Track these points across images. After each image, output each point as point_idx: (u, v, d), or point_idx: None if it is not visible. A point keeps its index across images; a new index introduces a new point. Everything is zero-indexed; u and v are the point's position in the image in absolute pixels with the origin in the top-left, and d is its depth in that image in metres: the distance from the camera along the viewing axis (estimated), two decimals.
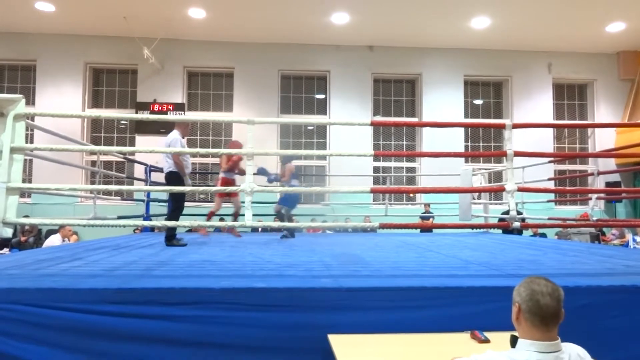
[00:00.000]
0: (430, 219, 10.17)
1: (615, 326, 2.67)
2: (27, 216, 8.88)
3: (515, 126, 3.90)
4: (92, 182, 11.44)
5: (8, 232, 3.22)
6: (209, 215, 6.74)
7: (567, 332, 1.73)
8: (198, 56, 12.30)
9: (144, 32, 11.23)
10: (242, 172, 6.94)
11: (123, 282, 2.70)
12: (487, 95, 13.38)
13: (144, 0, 10.06)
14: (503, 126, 3.83)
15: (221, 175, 6.79)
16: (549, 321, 1.59)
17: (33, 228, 10.61)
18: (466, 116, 12.83)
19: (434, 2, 10.13)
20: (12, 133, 3.26)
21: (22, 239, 10.27)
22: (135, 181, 9.85)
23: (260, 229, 9.76)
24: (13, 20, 11.18)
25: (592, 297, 2.69)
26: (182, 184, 5.18)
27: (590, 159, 12.88)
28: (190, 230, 8.14)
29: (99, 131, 12.48)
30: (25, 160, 3.60)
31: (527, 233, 10.06)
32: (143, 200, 8.46)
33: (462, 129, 12.58)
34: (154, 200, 8.85)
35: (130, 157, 9.82)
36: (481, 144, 13.03)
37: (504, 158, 3.81)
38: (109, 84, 12.66)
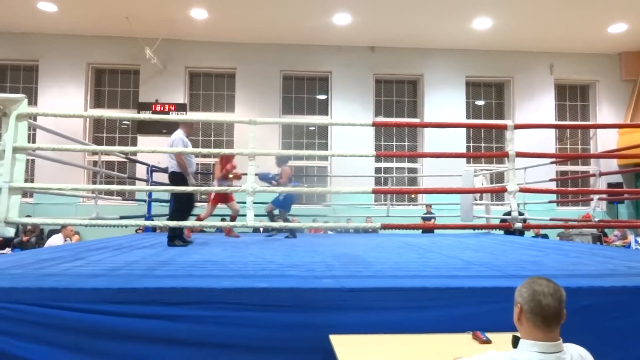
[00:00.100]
0: (432, 220, 10.16)
1: (617, 327, 2.66)
2: (29, 216, 8.89)
3: (517, 127, 3.89)
4: (94, 182, 11.47)
5: (10, 232, 3.23)
6: (197, 219, 6.73)
7: (569, 333, 1.73)
8: (200, 56, 12.32)
9: (146, 32, 11.25)
10: (238, 178, 6.94)
11: (125, 282, 2.71)
12: (489, 96, 13.37)
13: (146, 0, 10.08)
14: (505, 127, 3.83)
15: (215, 183, 6.84)
16: (550, 322, 1.59)
17: (35, 228, 10.63)
18: (468, 117, 12.82)
19: (435, 3, 10.13)
20: (14, 133, 3.26)
21: (24, 238, 10.29)
22: (137, 181, 9.86)
23: (261, 230, 9.77)
24: (15, 20, 11.21)
25: (594, 298, 2.69)
26: (185, 183, 5.16)
27: (592, 160, 12.86)
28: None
29: (101, 131, 12.50)
30: (28, 160, 3.61)
31: (528, 234, 10.04)
32: (145, 201, 8.47)
33: (463, 130, 12.58)
34: (156, 200, 8.86)
35: (132, 157, 9.82)
36: (483, 144, 13.02)
37: (506, 159, 3.81)
38: (111, 84, 12.69)
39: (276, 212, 7.09)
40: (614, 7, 10.18)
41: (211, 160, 12.35)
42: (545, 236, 10.39)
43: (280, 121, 10.30)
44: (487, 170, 10.32)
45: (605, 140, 12.53)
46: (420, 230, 9.79)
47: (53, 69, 12.01)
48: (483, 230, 9.14)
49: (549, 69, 12.83)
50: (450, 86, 12.67)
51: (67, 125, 10.38)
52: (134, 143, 12.17)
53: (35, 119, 6.86)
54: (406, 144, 12.94)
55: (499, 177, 12.17)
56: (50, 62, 12.02)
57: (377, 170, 12.47)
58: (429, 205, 11.09)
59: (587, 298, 2.67)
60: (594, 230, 9.31)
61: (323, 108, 12.87)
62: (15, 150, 3.26)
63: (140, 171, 10.17)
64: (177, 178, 5.23)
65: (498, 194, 10.32)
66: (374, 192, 3.94)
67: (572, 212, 11.83)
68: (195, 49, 12.22)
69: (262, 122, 3.77)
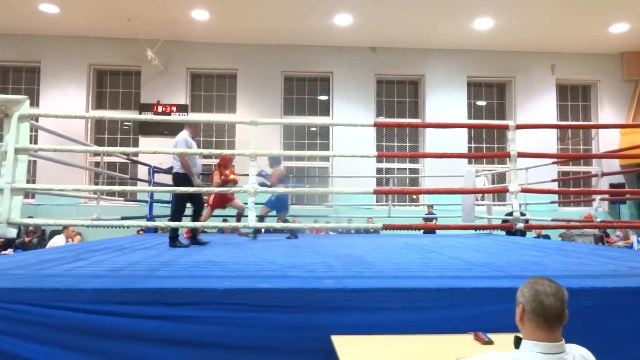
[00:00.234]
0: (434, 221, 10.15)
1: (619, 328, 2.65)
2: (31, 217, 8.91)
3: (519, 127, 3.89)
4: (96, 183, 11.48)
5: (12, 233, 3.23)
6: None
7: (571, 333, 1.73)
8: (201, 58, 12.33)
9: (148, 33, 11.26)
10: (235, 182, 6.92)
11: (126, 283, 2.71)
12: (491, 97, 13.37)
13: (148, 2, 10.10)
14: (506, 127, 3.82)
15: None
16: (553, 322, 1.58)
17: (37, 229, 10.65)
18: (469, 117, 12.82)
19: (437, 4, 10.13)
20: (16, 134, 3.27)
21: (26, 239, 10.31)
22: (138, 182, 9.87)
23: (263, 230, 9.76)
24: (17, 21, 11.23)
25: (596, 299, 2.68)
26: (189, 184, 5.14)
27: (594, 160, 12.84)
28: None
29: (102, 132, 12.52)
30: (30, 161, 3.61)
31: (530, 235, 10.03)
32: (146, 201, 8.48)
33: (465, 130, 12.57)
34: (157, 201, 8.86)
35: (134, 158, 9.84)
36: (484, 145, 13.01)
37: (508, 159, 3.80)
38: (112, 85, 12.71)
39: (273, 213, 7.10)
40: (616, 7, 10.17)
41: (213, 161, 12.38)
42: (547, 237, 10.38)
43: (281, 122, 10.31)
44: (489, 170, 10.31)
45: (607, 141, 12.50)
46: (421, 231, 9.79)
47: (55, 70, 12.04)
48: (485, 231, 9.14)
49: (550, 69, 12.82)
50: (452, 86, 12.66)
51: (69, 127, 10.40)
52: (136, 144, 12.19)
53: (37, 120, 6.87)
54: (407, 144, 12.94)
55: (501, 177, 12.16)
56: (52, 63, 12.05)
57: (379, 170, 12.47)
58: (430, 206, 11.08)
59: (589, 299, 2.66)
60: (596, 231, 9.29)
61: (324, 109, 12.87)
62: (17, 151, 3.26)
63: (142, 172, 10.18)
64: (181, 179, 5.23)
65: (499, 194, 10.31)
66: (376, 192, 3.94)
67: (574, 212, 11.81)
68: (196, 50, 12.23)
69: (264, 122, 3.77)
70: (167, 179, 9.45)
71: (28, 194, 9.05)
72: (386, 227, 3.68)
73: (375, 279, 3.06)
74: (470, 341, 2.38)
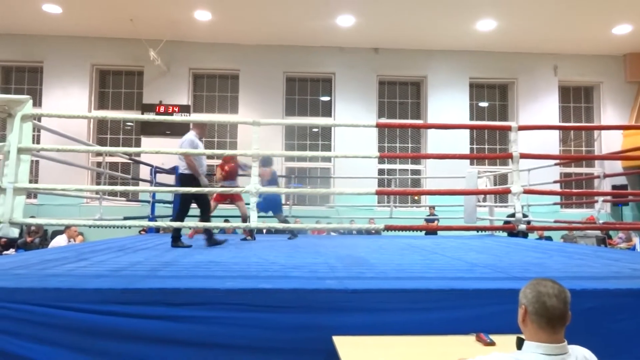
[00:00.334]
0: (435, 222, 10.14)
1: (621, 329, 2.65)
2: (33, 217, 8.93)
3: (522, 128, 3.88)
4: (98, 183, 11.50)
5: (15, 232, 3.24)
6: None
7: (574, 335, 1.72)
8: (203, 58, 12.35)
9: (150, 34, 11.29)
10: (234, 171, 6.94)
11: (128, 283, 2.71)
12: (493, 98, 13.35)
13: (150, 2, 10.11)
14: (509, 128, 3.82)
15: (220, 184, 6.88)
16: (555, 323, 1.58)
17: (39, 229, 10.67)
18: (471, 119, 12.80)
19: (439, 5, 10.12)
20: (19, 134, 3.28)
21: (28, 239, 10.33)
22: (140, 182, 9.88)
23: (264, 231, 9.77)
24: (20, 22, 11.26)
25: (599, 300, 2.67)
26: (195, 185, 5.10)
27: (596, 162, 12.81)
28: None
29: (104, 132, 12.54)
30: (32, 161, 3.62)
31: (532, 236, 10.01)
32: (148, 202, 8.49)
33: (467, 132, 12.55)
34: (160, 201, 8.88)
35: (136, 158, 9.86)
36: (486, 146, 13.00)
37: (510, 160, 3.80)
38: (115, 85, 12.73)
39: (276, 215, 7.10)
40: (618, 8, 10.15)
41: (215, 161, 12.38)
42: (549, 238, 10.36)
43: (283, 122, 10.31)
44: (491, 172, 10.29)
45: (609, 142, 12.48)
46: (423, 232, 9.78)
47: (57, 70, 12.06)
48: (487, 232, 9.12)
49: (553, 71, 12.80)
50: (454, 88, 12.65)
51: (71, 127, 10.40)
52: (138, 144, 12.20)
53: (39, 120, 6.89)
54: (409, 145, 12.93)
55: (503, 179, 12.13)
56: (55, 63, 12.08)
57: (381, 171, 12.47)
58: (432, 207, 11.06)
59: (592, 300, 2.66)
60: (598, 233, 9.28)
61: (326, 109, 12.87)
62: (20, 151, 3.27)
63: (144, 172, 10.20)
64: (187, 179, 5.22)
65: (501, 195, 10.30)
66: (378, 193, 3.94)
67: (576, 214, 11.78)
68: (198, 50, 12.25)
69: (266, 123, 3.77)
70: (169, 179, 9.47)
71: (30, 193, 9.07)
72: (388, 228, 3.68)
73: (377, 280, 3.06)
74: (472, 342, 2.38)
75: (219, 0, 10.11)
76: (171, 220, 6.60)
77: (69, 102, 11.90)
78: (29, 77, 12.50)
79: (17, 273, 3.15)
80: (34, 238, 10.47)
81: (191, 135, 5.32)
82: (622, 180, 12.18)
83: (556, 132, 12.76)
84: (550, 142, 12.31)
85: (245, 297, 2.56)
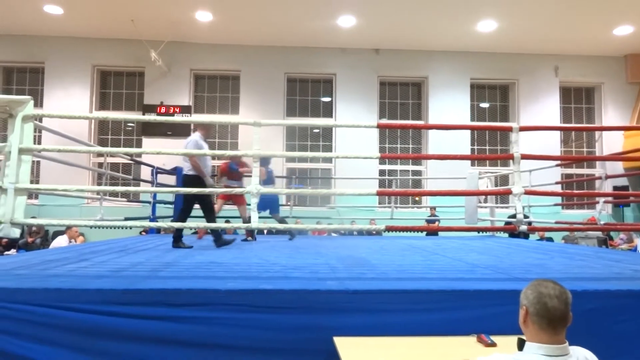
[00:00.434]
0: (436, 223, 10.13)
1: (623, 331, 2.64)
2: (34, 217, 8.92)
3: (523, 129, 3.88)
4: (99, 184, 11.51)
5: (16, 233, 3.24)
6: None
7: (575, 336, 1.72)
8: (205, 59, 12.36)
9: (151, 34, 11.30)
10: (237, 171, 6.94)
11: (129, 283, 2.71)
12: (494, 99, 13.35)
13: (152, 3, 10.13)
14: (510, 129, 3.82)
15: (225, 183, 6.90)
16: (556, 324, 1.57)
17: (40, 229, 10.68)
18: (472, 119, 12.80)
19: (440, 5, 10.12)
20: (20, 134, 3.28)
21: (29, 240, 10.33)
22: (141, 183, 9.89)
23: (265, 231, 9.78)
24: (22, 22, 11.28)
25: (600, 302, 2.67)
26: (200, 186, 5.05)
27: (597, 163, 12.80)
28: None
29: (106, 133, 12.56)
30: (33, 161, 3.63)
31: (533, 237, 10.00)
32: (149, 202, 8.49)
33: (468, 132, 12.54)
34: (160, 202, 8.88)
35: (137, 159, 9.86)
36: (487, 147, 12.99)
37: (511, 161, 3.80)
38: (116, 86, 12.75)
39: (273, 216, 7.10)
40: (620, 9, 10.14)
41: (216, 162, 12.38)
42: (550, 239, 10.35)
43: (284, 123, 10.31)
44: (492, 172, 10.28)
45: (610, 143, 12.47)
46: (424, 233, 9.77)
47: (59, 71, 12.08)
48: (488, 233, 9.11)
49: (554, 71, 12.79)
50: (455, 89, 12.65)
51: (73, 127, 10.41)
52: (139, 145, 12.21)
53: (40, 121, 6.90)
54: (410, 146, 12.93)
55: (504, 180, 12.12)
56: (56, 64, 12.09)
57: (381, 172, 12.47)
58: (433, 208, 11.06)
59: (593, 301, 2.65)
60: (600, 234, 9.26)
61: (327, 110, 12.88)
62: (21, 151, 3.28)
63: (145, 173, 10.20)
64: (191, 181, 5.21)
65: (502, 196, 10.30)
66: (379, 194, 3.94)
67: (578, 215, 11.78)
68: (199, 51, 12.26)
69: (267, 123, 3.78)
70: (170, 179, 9.47)
71: (31, 194, 9.07)
72: (389, 229, 3.68)
73: (377, 281, 3.06)
74: (473, 343, 2.37)
75: (220, 1, 10.12)
76: (172, 221, 6.61)
77: (70, 102, 11.91)
78: (30, 78, 12.52)
79: (18, 273, 3.15)
80: (35, 238, 10.47)
81: (196, 136, 5.32)
82: (623, 182, 12.17)
83: (557, 133, 12.75)
84: (552, 143, 12.29)
85: (246, 298, 2.56)
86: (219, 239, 5.56)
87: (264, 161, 7.02)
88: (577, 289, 2.63)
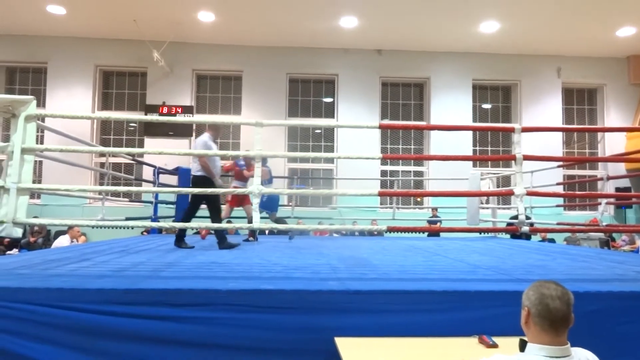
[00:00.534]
0: (438, 223, 10.12)
1: (625, 332, 2.63)
2: (36, 217, 8.94)
3: (525, 130, 3.88)
4: (101, 184, 11.53)
5: (18, 232, 3.25)
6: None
7: (577, 337, 1.72)
8: (207, 59, 12.38)
9: (154, 35, 11.32)
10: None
11: (131, 283, 2.71)
12: (496, 100, 13.33)
13: (154, 3, 10.14)
14: (512, 130, 3.81)
15: (233, 184, 6.90)
16: (558, 325, 1.57)
17: (42, 229, 10.70)
18: (474, 120, 12.78)
19: (443, 6, 10.12)
20: (23, 134, 3.29)
21: (31, 239, 10.36)
22: (143, 183, 9.90)
23: (267, 232, 9.78)
24: (25, 22, 11.31)
25: (602, 303, 2.66)
26: (209, 187, 5.03)
27: (599, 164, 12.78)
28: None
29: (108, 133, 12.58)
30: (36, 161, 3.63)
31: (535, 238, 9.98)
32: (151, 202, 8.50)
33: (470, 133, 12.53)
34: (162, 202, 8.88)
35: (139, 159, 9.87)
36: (489, 148, 12.98)
37: (513, 162, 3.79)
38: (118, 86, 12.78)
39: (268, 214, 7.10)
40: (622, 10, 10.13)
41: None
42: (552, 240, 10.32)
43: (286, 123, 10.30)
44: (494, 173, 10.27)
45: (612, 144, 12.44)
46: (426, 234, 9.76)
47: (61, 71, 12.11)
48: (489, 234, 9.10)
49: (556, 73, 12.78)
50: (457, 89, 12.64)
51: (75, 127, 10.44)
52: (141, 145, 12.23)
53: (43, 121, 6.90)
54: (412, 147, 12.93)
55: (506, 181, 12.11)
56: (59, 64, 12.12)
57: (383, 173, 12.46)
58: (434, 209, 11.04)
59: (595, 303, 2.65)
60: (602, 235, 9.24)
61: (329, 111, 12.88)
62: (24, 151, 3.28)
63: (147, 173, 10.22)
64: (200, 181, 5.20)
65: (504, 198, 10.28)
66: (380, 194, 3.93)
67: (580, 216, 11.75)
68: (202, 51, 12.28)
69: (269, 124, 3.78)
70: (172, 179, 9.49)
71: (34, 194, 9.09)
72: (390, 229, 3.68)
73: (379, 281, 3.06)
74: (475, 344, 2.37)
75: (223, 2, 10.13)
76: (174, 221, 6.61)
77: (72, 102, 11.94)
78: (33, 78, 12.55)
79: (20, 273, 3.15)
80: (37, 238, 10.50)
81: (205, 137, 5.32)
82: (625, 183, 12.13)
83: (559, 134, 12.73)
84: (554, 144, 12.28)
85: (248, 298, 2.56)
86: (223, 241, 5.48)
87: (263, 160, 7.02)
88: (579, 290, 2.62)
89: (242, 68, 12.47)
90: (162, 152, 3.89)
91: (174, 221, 7.59)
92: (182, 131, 12.13)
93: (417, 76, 12.87)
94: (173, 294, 2.56)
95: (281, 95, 12.48)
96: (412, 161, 12.92)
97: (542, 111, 12.65)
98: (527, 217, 5.41)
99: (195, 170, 5.28)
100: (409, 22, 10.88)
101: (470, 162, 11.94)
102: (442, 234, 9.68)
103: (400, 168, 12.79)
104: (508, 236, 9.02)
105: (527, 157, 3.78)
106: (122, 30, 11.43)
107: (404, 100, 13.11)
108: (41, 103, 11.79)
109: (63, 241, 7.64)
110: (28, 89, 12.33)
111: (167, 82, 12.24)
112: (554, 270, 3.81)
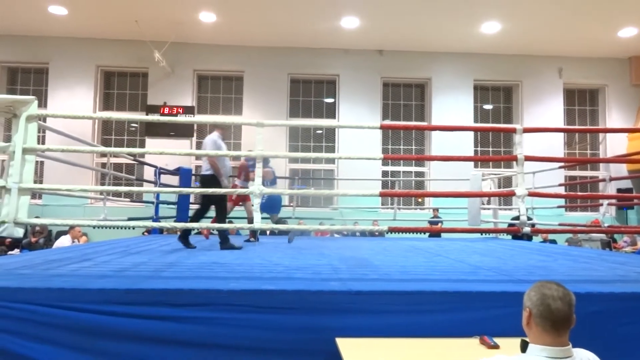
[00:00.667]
0: (439, 224, 10.11)
1: (626, 333, 2.63)
2: (37, 217, 8.95)
3: (526, 130, 3.87)
4: (103, 184, 11.55)
5: (19, 232, 3.25)
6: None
7: (578, 338, 1.71)
8: (208, 60, 12.38)
9: (155, 35, 11.33)
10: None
11: (132, 283, 2.71)
12: (497, 100, 13.32)
13: (156, 4, 10.15)
14: (514, 130, 3.81)
15: (236, 182, 6.90)
16: (560, 326, 1.57)
17: (43, 229, 10.70)
18: (476, 121, 12.77)
19: (444, 7, 10.11)
20: (24, 134, 3.29)
21: (33, 239, 10.36)
22: (144, 183, 9.91)
23: (268, 232, 9.78)
24: (26, 23, 11.33)
25: (604, 304, 2.65)
26: (215, 186, 5.05)
27: (601, 165, 12.77)
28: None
29: (109, 133, 12.59)
30: (37, 161, 3.64)
31: (536, 239, 9.97)
32: (152, 202, 8.50)
33: (471, 134, 12.52)
34: (163, 202, 8.89)
35: (140, 159, 9.88)
36: (491, 149, 12.97)
37: (514, 163, 3.79)
38: (120, 86, 12.79)
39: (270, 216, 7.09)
40: (624, 11, 10.12)
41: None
42: (553, 241, 10.31)
43: (287, 123, 10.31)
44: (495, 174, 10.26)
45: (614, 145, 12.43)
46: (427, 234, 9.75)
47: (63, 71, 12.13)
48: (491, 235, 9.09)
49: (557, 73, 12.76)
50: (458, 90, 12.63)
51: (76, 127, 10.45)
52: (142, 145, 12.24)
53: (44, 121, 6.91)
54: (413, 147, 12.92)
55: (507, 182, 12.10)
56: (60, 64, 12.14)
57: (384, 173, 12.46)
58: (436, 209, 11.04)
59: (597, 304, 2.64)
60: (603, 236, 9.22)
61: (330, 111, 12.88)
62: (25, 151, 3.29)
63: (148, 173, 10.23)
64: (209, 180, 5.21)
65: (506, 198, 10.27)
66: (382, 195, 3.93)
67: (581, 217, 11.73)
68: (203, 52, 12.29)
69: (270, 124, 3.78)
70: (173, 180, 9.49)
71: (35, 194, 9.10)
72: (392, 230, 3.67)
73: (380, 282, 3.05)
74: (476, 345, 2.36)
75: (224, 2, 10.14)
76: (175, 221, 6.61)
77: (74, 103, 11.96)
78: (34, 78, 12.57)
79: (22, 273, 3.15)
80: (38, 238, 10.51)
81: (214, 136, 5.32)
82: (627, 184, 12.12)
83: (561, 135, 12.72)
84: (555, 145, 12.27)
85: (249, 298, 2.55)
86: (226, 242, 5.47)
87: (265, 161, 7.02)
88: (580, 292, 2.61)
89: (243, 68, 12.48)
90: (163, 152, 3.89)
91: (175, 221, 7.60)
92: (183, 131, 12.14)
93: (418, 76, 12.87)
94: (174, 294, 2.56)
95: (282, 96, 12.49)
96: (413, 162, 12.91)
97: (543, 112, 12.64)
98: (529, 218, 5.41)
99: (205, 169, 5.29)
100: (410, 22, 10.88)
101: (472, 163, 11.92)
102: (443, 235, 9.68)
103: (401, 168, 12.79)
104: (509, 237, 9.02)
105: (528, 158, 3.78)
106: (123, 30, 11.45)
107: (405, 101, 13.10)
108: (43, 103, 11.81)
109: (64, 241, 7.64)
110: (30, 89, 12.35)
111: (168, 82, 12.26)
112: (555, 271, 3.80)
